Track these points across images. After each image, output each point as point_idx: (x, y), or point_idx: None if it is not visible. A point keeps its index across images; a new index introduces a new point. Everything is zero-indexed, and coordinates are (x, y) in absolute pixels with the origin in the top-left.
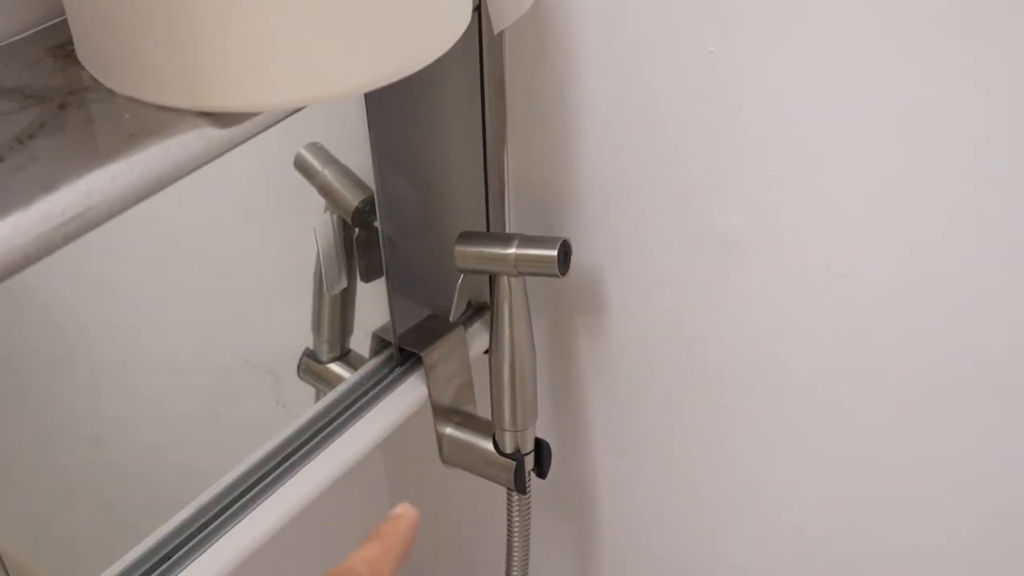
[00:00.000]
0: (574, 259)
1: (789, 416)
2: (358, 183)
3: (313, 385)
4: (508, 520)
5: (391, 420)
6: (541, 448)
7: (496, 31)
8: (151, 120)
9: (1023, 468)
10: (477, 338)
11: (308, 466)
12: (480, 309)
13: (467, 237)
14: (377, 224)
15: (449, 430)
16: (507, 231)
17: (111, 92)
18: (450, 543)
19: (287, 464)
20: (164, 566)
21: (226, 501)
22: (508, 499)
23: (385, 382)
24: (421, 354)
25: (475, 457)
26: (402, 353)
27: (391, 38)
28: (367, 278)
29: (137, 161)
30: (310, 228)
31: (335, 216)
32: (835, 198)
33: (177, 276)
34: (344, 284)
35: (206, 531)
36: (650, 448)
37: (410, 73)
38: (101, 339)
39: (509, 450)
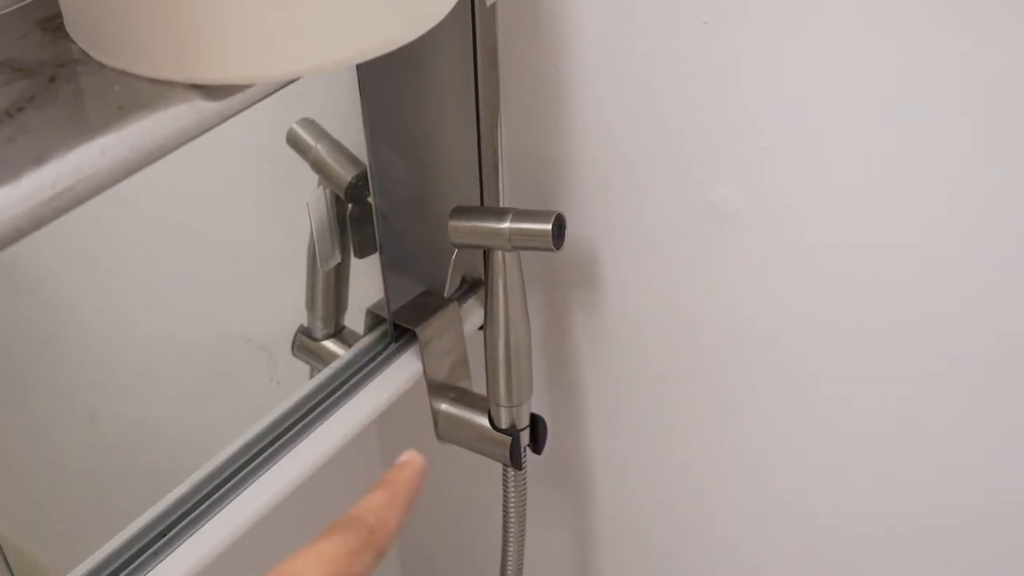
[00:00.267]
0: (568, 234)
1: (785, 390)
2: (351, 158)
3: (307, 362)
4: (504, 496)
5: (386, 396)
6: (536, 423)
7: (489, 3)
8: (142, 93)
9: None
10: (472, 314)
11: (303, 443)
12: (474, 285)
13: (461, 211)
14: (370, 199)
15: (444, 406)
16: (501, 206)
17: (101, 65)
18: (446, 519)
19: (282, 441)
20: (160, 542)
21: (221, 478)
22: (504, 475)
23: (380, 358)
24: (416, 330)
25: (470, 433)
26: (396, 329)
27: (383, 8)
28: (361, 254)
29: (127, 134)
30: (303, 204)
31: (328, 191)
32: (831, 169)
33: (170, 252)
34: (338, 259)
35: (201, 507)
36: (645, 423)
37: (403, 44)
38: (93, 316)
39: (504, 425)
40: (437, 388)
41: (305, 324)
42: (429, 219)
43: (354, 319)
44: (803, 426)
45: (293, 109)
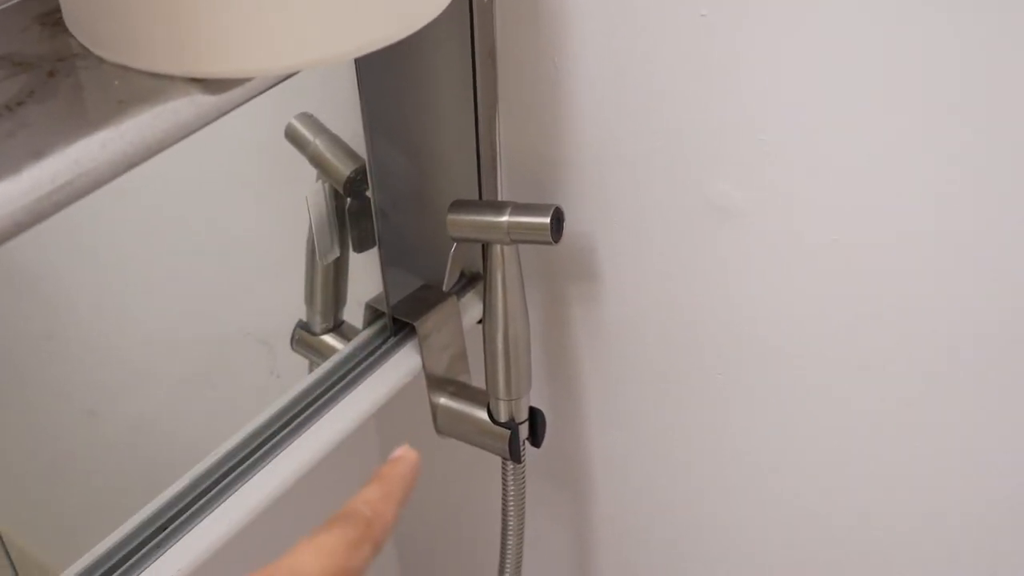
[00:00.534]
0: (567, 227)
1: (784, 387)
2: (349, 153)
3: (306, 357)
4: (503, 489)
5: (385, 391)
6: (535, 417)
7: None
8: (141, 87)
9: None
10: (470, 308)
11: (302, 437)
12: (473, 279)
13: (460, 205)
14: (369, 194)
15: (443, 400)
16: (499, 199)
17: (100, 59)
18: (445, 513)
19: (281, 435)
20: (160, 536)
21: (221, 472)
22: (503, 468)
23: (378, 352)
24: (414, 324)
25: (469, 426)
26: (395, 323)
27: (382, 3)
28: (360, 248)
29: (127, 128)
30: (302, 198)
31: (327, 185)
32: (830, 166)
33: (169, 247)
34: (336, 254)
35: (201, 501)
36: (644, 416)
37: (401, 38)
38: (92, 311)
39: (503, 419)
40: (436, 382)
41: (304, 319)
42: (428, 213)
43: (353, 313)
44: (802, 424)
45: (292, 104)
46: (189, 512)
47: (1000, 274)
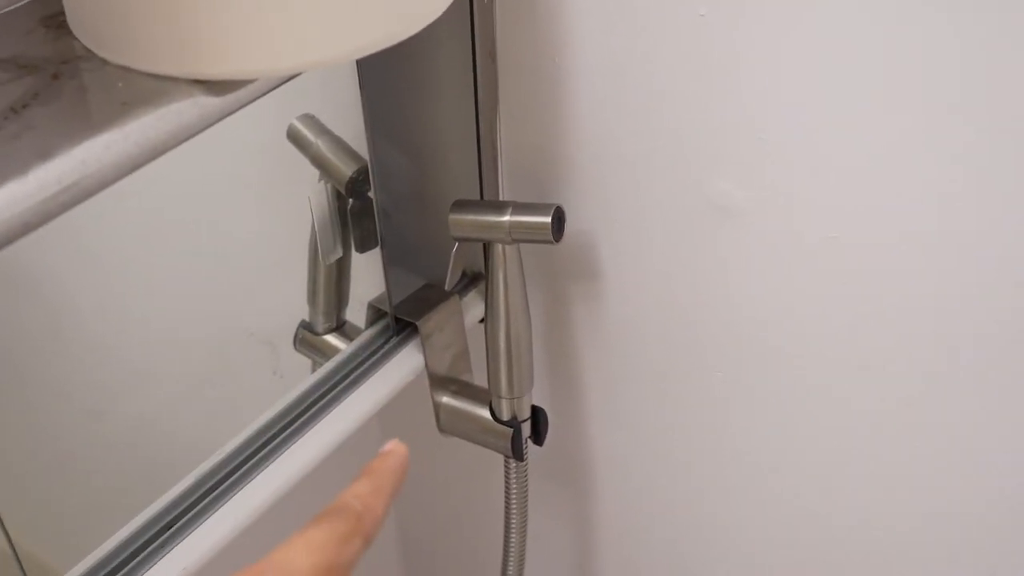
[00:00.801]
0: (568, 227)
1: (784, 383)
2: (351, 153)
3: (309, 357)
4: (506, 488)
5: (387, 390)
6: (538, 415)
7: None
8: (144, 89)
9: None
10: (472, 307)
11: (305, 437)
12: (475, 278)
13: (461, 205)
14: (371, 194)
15: (446, 399)
16: (501, 199)
17: (104, 61)
18: (448, 512)
19: (284, 435)
20: (163, 536)
21: (225, 471)
22: (506, 467)
23: (381, 352)
24: (417, 323)
25: (472, 425)
26: (398, 323)
27: (383, 4)
28: (362, 248)
29: (131, 129)
30: (305, 199)
31: (329, 185)
32: (830, 165)
33: (172, 248)
34: (339, 253)
35: (205, 501)
36: (645, 415)
37: (403, 39)
38: (96, 312)
39: (506, 417)
40: (438, 381)
41: (307, 319)
42: (429, 213)
43: (355, 314)
44: (802, 424)
45: (294, 105)
46: (193, 512)
47: (1001, 274)
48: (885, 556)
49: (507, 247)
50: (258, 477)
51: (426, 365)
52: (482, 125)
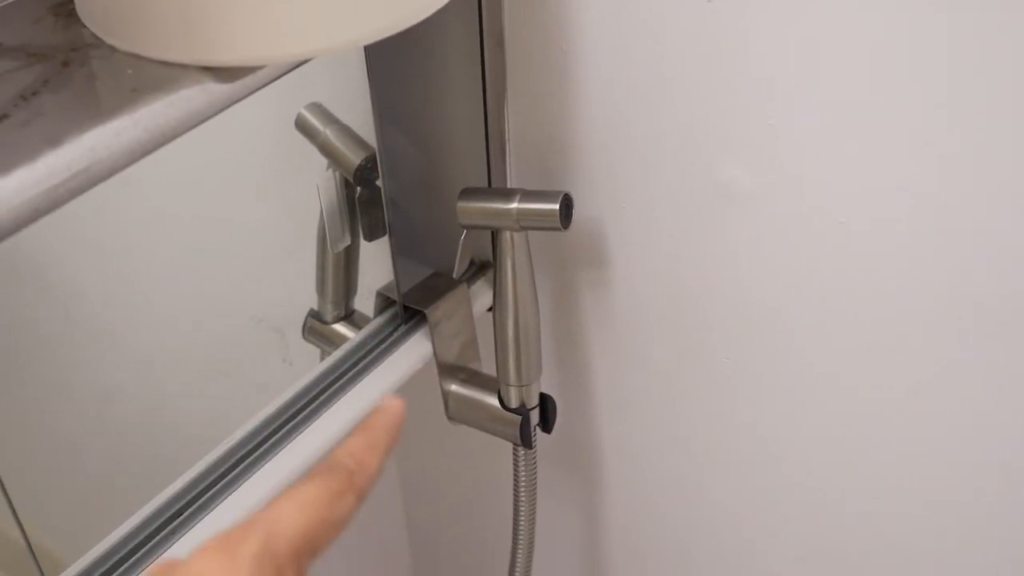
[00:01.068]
0: (576, 213)
1: (792, 369)
2: (359, 142)
3: (318, 345)
4: (515, 476)
5: (396, 378)
6: (546, 403)
7: None
8: (153, 75)
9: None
10: (481, 295)
11: (314, 425)
12: (483, 267)
13: (469, 193)
14: (379, 182)
15: (454, 387)
16: (509, 186)
17: (113, 49)
18: (456, 501)
19: (294, 423)
20: (174, 524)
21: (235, 459)
22: (514, 454)
23: (390, 340)
24: (425, 311)
25: (480, 413)
26: (406, 311)
27: None
28: (370, 236)
29: (140, 116)
30: (313, 188)
31: (338, 173)
32: (840, 147)
33: (182, 236)
34: (347, 241)
35: (215, 488)
36: (654, 401)
37: (411, 25)
38: (107, 299)
39: (514, 405)
40: (447, 369)
41: (315, 308)
42: (438, 201)
43: (364, 302)
44: (811, 411)
45: (302, 94)
46: (203, 499)
47: (1015, 259)
48: (893, 544)
49: (515, 234)
50: (267, 465)
51: (435, 353)
52: (490, 112)
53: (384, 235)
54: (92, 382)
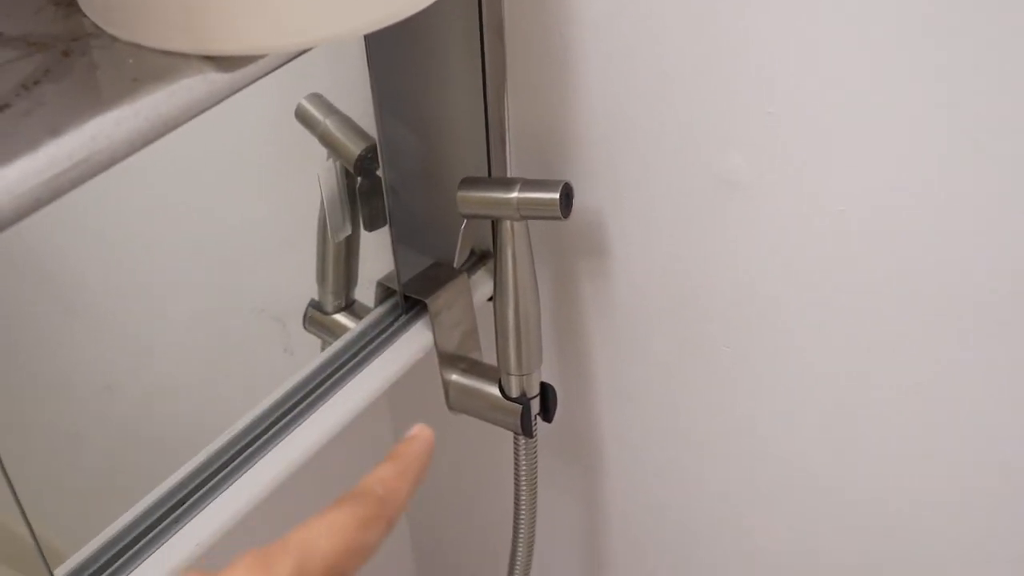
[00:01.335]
0: (576, 203)
1: (792, 360)
2: (359, 132)
3: (319, 336)
4: (515, 465)
5: (397, 367)
6: (547, 392)
7: None
8: (154, 65)
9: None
10: (481, 285)
11: (316, 414)
12: (483, 257)
13: (469, 182)
14: (380, 172)
15: (455, 376)
16: (509, 176)
17: (113, 38)
18: (457, 488)
19: (295, 412)
20: (177, 512)
21: (236, 448)
22: (515, 444)
23: (391, 330)
24: (426, 301)
25: (481, 402)
26: (407, 301)
27: None
28: (371, 227)
29: (141, 106)
30: (314, 178)
31: (338, 164)
32: (839, 136)
33: (182, 227)
34: (348, 231)
35: (218, 477)
36: (654, 391)
37: (412, 13)
38: (106, 291)
39: (515, 394)
40: (448, 359)
41: (316, 298)
42: (438, 191)
43: (364, 293)
44: (810, 401)
45: (302, 85)
46: (206, 488)
47: (1016, 258)
48: (891, 536)
49: (515, 224)
50: (269, 454)
51: (435, 343)
52: (490, 102)
53: (384, 225)
54: (92, 372)
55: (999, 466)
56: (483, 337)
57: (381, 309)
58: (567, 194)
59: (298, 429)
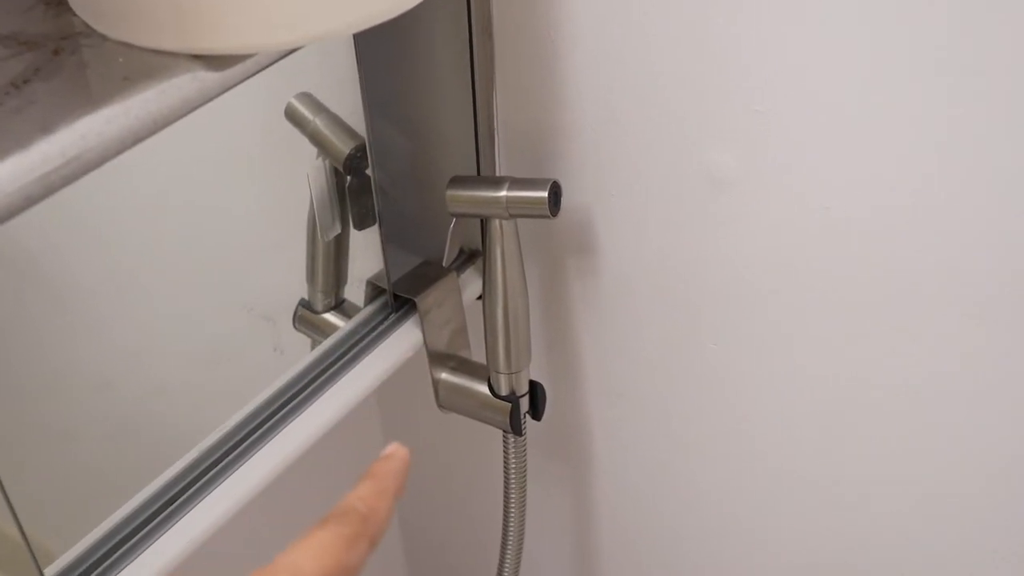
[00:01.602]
0: (565, 201)
1: (780, 356)
2: (349, 131)
3: (309, 335)
4: (505, 463)
5: (386, 366)
6: (536, 390)
7: None
8: (144, 64)
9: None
10: (470, 284)
11: (305, 412)
12: (472, 255)
13: (458, 181)
14: (369, 171)
15: (444, 375)
16: (498, 175)
17: (103, 37)
18: (447, 486)
19: (285, 411)
20: (167, 511)
21: (227, 446)
22: (504, 442)
23: (380, 328)
24: (415, 300)
25: (471, 401)
26: (396, 299)
27: None
28: (360, 226)
29: (132, 104)
30: (303, 177)
31: (327, 162)
32: (826, 132)
33: (172, 225)
34: (338, 230)
35: (208, 476)
36: (642, 388)
37: (402, 12)
38: (96, 289)
39: (504, 392)
40: (437, 357)
41: (306, 297)
42: (427, 190)
43: (354, 292)
44: (798, 396)
45: (291, 84)
46: (196, 486)
47: (1003, 257)
48: (887, 537)
49: (504, 222)
50: (260, 452)
51: (425, 341)
52: (479, 101)
53: (374, 224)
54: (83, 371)
55: (995, 466)
56: (472, 335)
57: (371, 308)
58: (555, 192)
59: (288, 427)
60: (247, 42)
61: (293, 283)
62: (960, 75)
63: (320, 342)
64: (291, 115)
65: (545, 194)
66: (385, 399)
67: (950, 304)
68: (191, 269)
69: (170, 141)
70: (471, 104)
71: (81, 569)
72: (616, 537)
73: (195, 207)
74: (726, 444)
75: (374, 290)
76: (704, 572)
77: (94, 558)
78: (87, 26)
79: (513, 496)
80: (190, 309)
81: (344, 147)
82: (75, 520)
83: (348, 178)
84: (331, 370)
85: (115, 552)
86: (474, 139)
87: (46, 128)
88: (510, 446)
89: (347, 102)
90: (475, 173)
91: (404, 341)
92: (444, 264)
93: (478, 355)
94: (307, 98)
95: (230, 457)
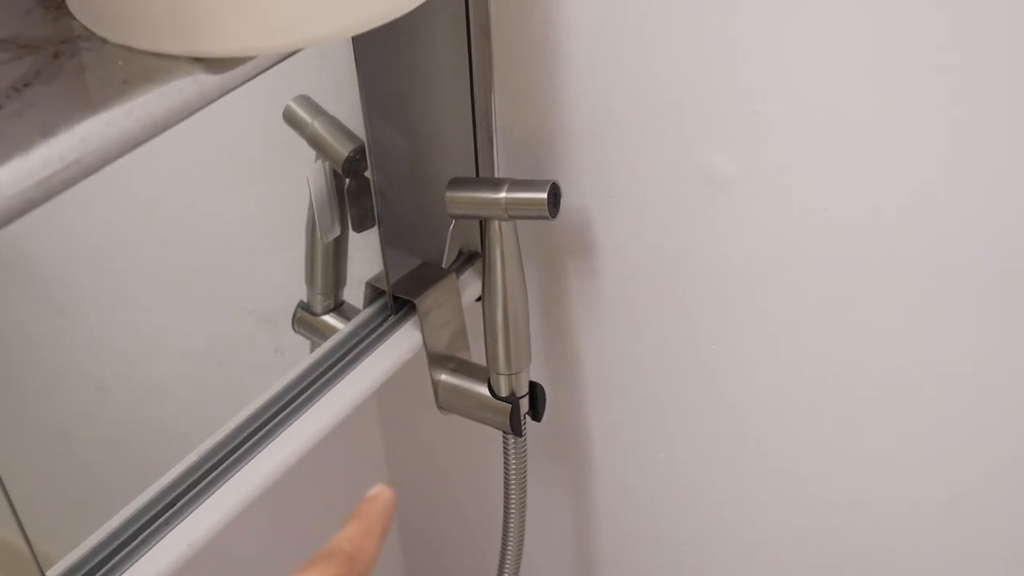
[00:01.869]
0: (564, 202)
1: (780, 357)
2: (347, 133)
3: (308, 337)
4: (505, 464)
5: (386, 368)
6: (535, 391)
7: None
8: (144, 67)
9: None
10: (469, 285)
11: (306, 414)
12: (471, 257)
13: (457, 183)
14: (368, 174)
15: (444, 376)
16: (497, 176)
17: (103, 41)
18: (447, 488)
19: (285, 413)
20: (168, 514)
21: (227, 449)
22: (504, 443)
23: (380, 330)
24: (415, 301)
25: (471, 402)
26: (396, 301)
27: None
28: (359, 228)
29: (132, 107)
30: (303, 179)
31: (327, 165)
32: (824, 134)
33: (171, 228)
34: (337, 232)
35: (209, 478)
36: (641, 389)
37: (401, 14)
38: (96, 292)
39: (504, 393)
40: (437, 359)
41: (305, 299)
42: (426, 191)
43: (353, 295)
44: (797, 397)
45: (290, 87)
46: (197, 489)
47: (1009, 249)
48: (886, 537)
49: (503, 224)
50: (259, 454)
51: (424, 343)
52: (477, 103)
53: (373, 226)
54: (83, 373)
55: (995, 466)
56: (472, 337)
57: (370, 310)
58: (555, 194)
59: (288, 430)
60: (246, 45)
61: (292, 285)
62: (960, 75)
63: (319, 344)
64: (290, 118)
65: (544, 195)
66: (385, 401)
67: (950, 304)
68: (190, 271)
69: (169, 144)
70: (470, 106)
71: (81, 573)
72: (616, 538)
73: (194, 210)
74: (725, 445)
75: (373, 292)
76: (704, 572)
77: (93, 562)
78: (86, 29)
79: (513, 497)
80: (189, 311)
81: (343, 149)
82: (74, 524)
83: (347, 180)
84: (331, 372)
85: (115, 556)
86: (473, 141)
87: (46, 131)
88: (510, 447)
89: (346, 104)
90: (474, 175)
91: (404, 343)
92: (443, 266)
93: (478, 356)
94: (306, 101)
95: (230, 460)
